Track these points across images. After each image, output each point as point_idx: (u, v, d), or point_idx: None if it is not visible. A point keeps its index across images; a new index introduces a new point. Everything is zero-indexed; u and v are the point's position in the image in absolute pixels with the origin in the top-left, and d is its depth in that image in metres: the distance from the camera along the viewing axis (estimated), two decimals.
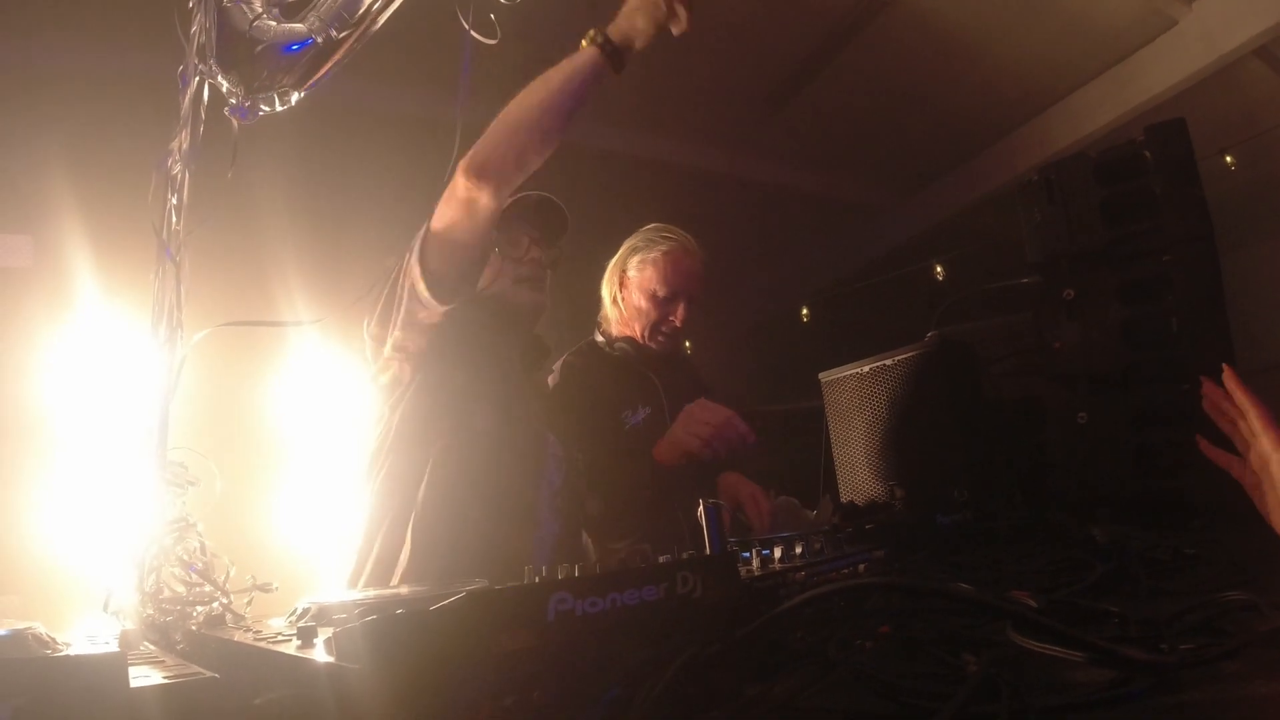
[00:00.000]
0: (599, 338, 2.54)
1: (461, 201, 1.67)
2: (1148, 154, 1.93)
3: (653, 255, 2.43)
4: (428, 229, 1.73)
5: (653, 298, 2.41)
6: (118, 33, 3.74)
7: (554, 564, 0.83)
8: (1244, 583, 1.04)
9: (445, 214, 1.71)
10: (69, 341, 3.35)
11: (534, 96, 1.66)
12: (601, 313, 2.57)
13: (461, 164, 1.65)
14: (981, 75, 4.69)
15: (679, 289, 2.41)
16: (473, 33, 1.38)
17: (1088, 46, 4.54)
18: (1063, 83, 4.90)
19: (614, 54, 1.66)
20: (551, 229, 2.09)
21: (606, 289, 2.54)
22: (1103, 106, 4.79)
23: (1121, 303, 1.93)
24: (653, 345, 2.45)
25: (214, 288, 1.39)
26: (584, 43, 1.67)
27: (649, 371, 2.46)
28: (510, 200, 2.00)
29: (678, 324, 2.43)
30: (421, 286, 1.71)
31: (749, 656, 0.76)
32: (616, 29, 1.67)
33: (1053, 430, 1.99)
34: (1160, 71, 4.47)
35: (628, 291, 2.47)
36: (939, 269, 5.77)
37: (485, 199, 1.66)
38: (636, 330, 2.45)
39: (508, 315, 2.01)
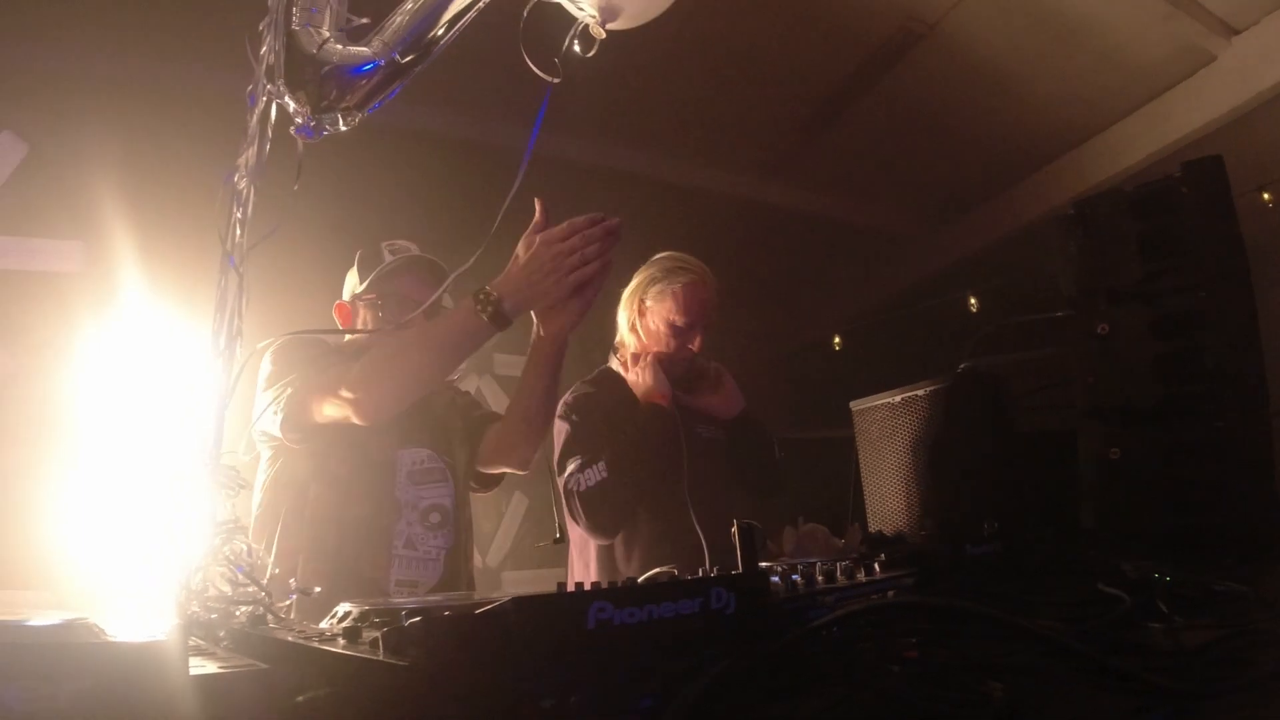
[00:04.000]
0: (614, 364, 2.58)
1: (350, 416, 1.78)
2: (1184, 190, 1.92)
3: (673, 286, 2.48)
4: (314, 400, 1.82)
5: (671, 327, 2.48)
6: (173, 46, 3.85)
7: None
8: (1271, 619, 1.04)
9: (332, 411, 1.80)
10: (115, 345, 3.44)
11: (423, 355, 1.74)
12: (618, 339, 2.62)
13: (343, 392, 1.75)
14: (1018, 108, 4.69)
15: (697, 320, 2.48)
16: (538, 71, 1.41)
17: (1125, 81, 4.53)
18: (1099, 117, 4.89)
19: (503, 323, 1.60)
20: None
21: (624, 316, 2.59)
22: (1139, 141, 4.76)
23: (1155, 338, 1.92)
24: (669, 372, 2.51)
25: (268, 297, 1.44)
26: (474, 302, 1.59)
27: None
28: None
29: (695, 351, 2.50)
30: (278, 429, 1.84)
31: (777, 674, 0.78)
32: (511, 302, 1.59)
33: (1084, 465, 1.98)
34: (1198, 107, 4.44)
35: (645, 319, 2.53)
36: (972, 300, 5.74)
37: (373, 421, 1.79)
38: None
39: None
